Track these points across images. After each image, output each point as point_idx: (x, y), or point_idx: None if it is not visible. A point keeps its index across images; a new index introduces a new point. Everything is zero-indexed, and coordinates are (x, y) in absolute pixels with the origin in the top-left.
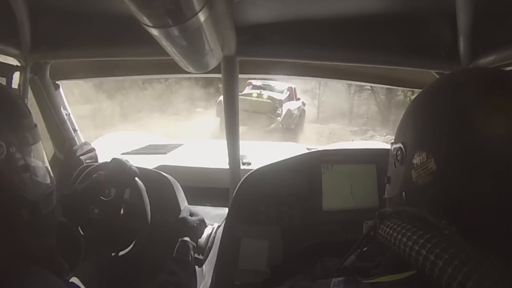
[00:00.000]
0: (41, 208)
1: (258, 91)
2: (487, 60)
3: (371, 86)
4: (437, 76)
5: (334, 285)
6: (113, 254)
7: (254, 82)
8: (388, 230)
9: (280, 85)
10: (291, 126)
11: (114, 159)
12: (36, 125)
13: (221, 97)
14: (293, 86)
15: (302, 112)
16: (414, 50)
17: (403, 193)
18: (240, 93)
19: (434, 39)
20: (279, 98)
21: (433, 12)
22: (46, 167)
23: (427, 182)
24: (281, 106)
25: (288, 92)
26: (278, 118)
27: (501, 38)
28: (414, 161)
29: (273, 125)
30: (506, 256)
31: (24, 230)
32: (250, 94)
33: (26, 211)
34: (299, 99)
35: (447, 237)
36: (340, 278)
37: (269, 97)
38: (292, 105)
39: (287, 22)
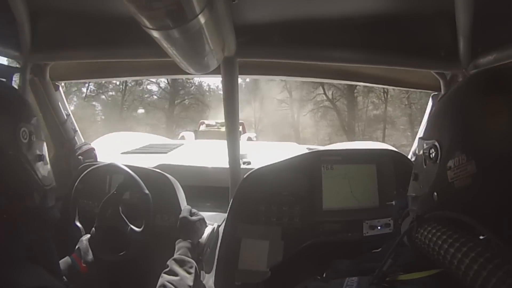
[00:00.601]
0: (48, 199)
1: (220, 124)
2: (487, 60)
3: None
4: (437, 77)
5: (347, 285)
6: (113, 254)
7: (207, 122)
8: (427, 234)
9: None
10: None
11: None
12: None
13: (184, 133)
14: (242, 121)
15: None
16: (414, 50)
17: (435, 193)
18: (200, 129)
19: (434, 39)
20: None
21: (433, 12)
22: (49, 165)
23: (466, 185)
24: (239, 136)
25: (241, 127)
26: None
27: (501, 38)
28: (452, 161)
29: None
30: None
31: (33, 215)
32: (213, 126)
33: (38, 197)
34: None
35: (485, 243)
36: (353, 278)
37: None
38: (250, 135)
39: (287, 23)
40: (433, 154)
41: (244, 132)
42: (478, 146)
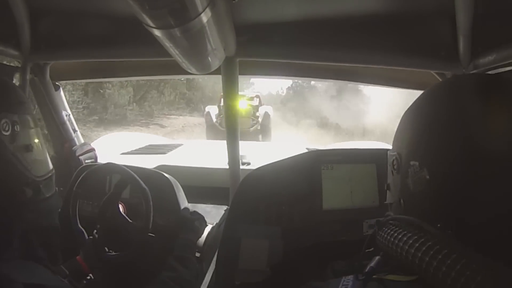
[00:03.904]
0: (43, 190)
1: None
2: (487, 60)
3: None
4: (437, 77)
5: (343, 284)
6: (114, 253)
7: None
8: (386, 236)
9: (248, 93)
10: (268, 127)
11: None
12: (34, 112)
13: (208, 108)
14: (259, 93)
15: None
16: (414, 50)
17: (401, 200)
18: (221, 104)
19: (434, 39)
20: (255, 104)
21: (433, 12)
22: (46, 153)
23: (421, 191)
24: (257, 110)
25: (258, 99)
26: (258, 119)
27: (501, 38)
28: (409, 170)
29: (254, 126)
30: (503, 258)
31: (26, 209)
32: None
33: (29, 190)
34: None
35: (443, 242)
36: (349, 277)
37: (248, 104)
38: (267, 109)
39: (287, 22)
40: (396, 165)
41: (261, 104)
42: (427, 153)
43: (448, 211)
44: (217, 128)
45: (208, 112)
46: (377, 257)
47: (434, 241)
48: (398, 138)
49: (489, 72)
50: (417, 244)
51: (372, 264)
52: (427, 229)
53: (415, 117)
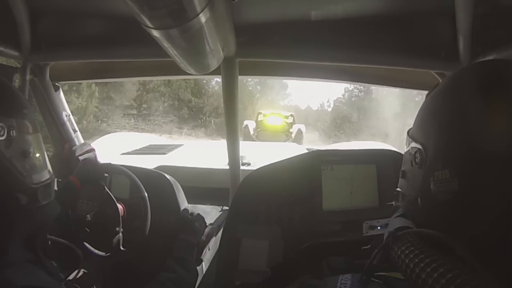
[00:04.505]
0: (40, 197)
1: (272, 113)
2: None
3: None
4: (437, 77)
5: (341, 282)
6: (109, 254)
7: (263, 111)
8: (399, 253)
9: (284, 113)
10: (300, 142)
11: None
12: (35, 118)
13: (247, 122)
14: (293, 113)
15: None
16: (414, 50)
17: (419, 199)
18: (258, 120)
19: (434, 39)
20: (289, 121)
21: (433, 12)
22: (45, 159)
23: (447, 201)
24: (291, 127)
25: (292, 118)
26: (292, 135)
27: (501, 38)
28: (436, 174)
29: (287, 141)
30: None
31: (20, 216)
32: (263, 120)
33: (24, 197)
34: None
35: (457, 264)
36: (347, 275)
37: (284, 121)
38: (300, 127)
39: (287, 22)
40: (418, 159)
41: (295, 122)
42: (462, 164)
43: (474, 229)
44: (253, 139)
45: (247, 125)
46: (379, 254)
47: (456, 273)
48: (422, 127)
49: None
50: (435, 274)
51: (374, 262)
52: (461, 253)
53: (442, 108)
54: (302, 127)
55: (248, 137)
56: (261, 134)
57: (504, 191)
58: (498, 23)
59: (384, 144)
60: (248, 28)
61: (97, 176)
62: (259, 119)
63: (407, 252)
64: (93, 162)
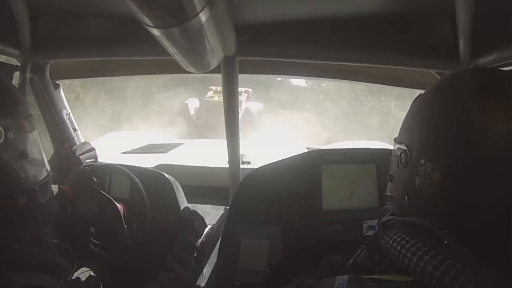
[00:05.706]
0: (38, 196)
1: (219, 94)
2: (487, 60)
3: None
4: (437, 76)
5: (338, 283)
6: (111, 255)
7: (214, 88)
8: (389, 241)
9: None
10: (251, 121)
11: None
12: (32, 114)
13: (188, 101)
14: (249, 89)
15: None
16: (414, 50)
17: (406, 196)
18: (204, 97)
19: (434, 39)
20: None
21: (433, 12)
22: (43, 156)
23: (431, 192)
24: (239, 106)
25: (246, 95)
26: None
27: (501, 38)
28: (419, 168)
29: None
30: (506, 265)
31: (20, 216)
32: (212, 97)
33: (23, 198)
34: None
35: (446, 249)
36: (344, 276)
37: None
38: (251, 106)
39: (287, 22)
40: (403, 158)
41: (250, 101)
42: (442, 155)
43: (457, 216)
44: (194, 122)
45: (186, 104)
46: (363, 252)
47: (439, 250)
48: (407, 130)
49: None
50: (427, 257)
51: (357, 259)
52: (435, 234)
53: (429, 110)
54: (256, 106)
55: (188, 119)
56: (202, 116)
57: (485, 181)
58: (498, 23)
59: (384, 143)
60: (248, 27)
61: (88, 182)
62: (207, 96)
63: (399, 239)
64: (83, 170)
